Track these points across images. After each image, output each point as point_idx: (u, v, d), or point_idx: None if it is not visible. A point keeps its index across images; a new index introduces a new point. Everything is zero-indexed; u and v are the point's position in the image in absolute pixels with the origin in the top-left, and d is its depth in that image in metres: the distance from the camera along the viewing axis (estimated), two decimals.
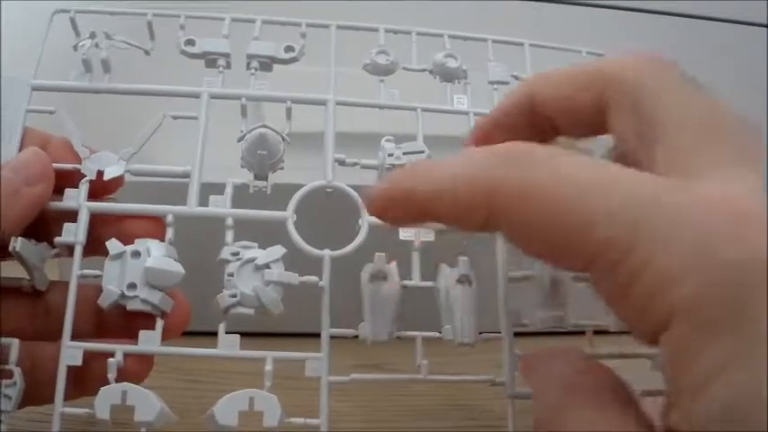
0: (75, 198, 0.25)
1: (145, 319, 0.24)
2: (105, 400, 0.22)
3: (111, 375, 0.23)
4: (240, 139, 0.26)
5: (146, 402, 0.22)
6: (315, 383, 0.24)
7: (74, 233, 0.24)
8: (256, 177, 0.26)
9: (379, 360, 0.32)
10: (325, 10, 0.30)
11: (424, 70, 0.29)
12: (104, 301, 0.24)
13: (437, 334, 0.25)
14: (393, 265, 0.25)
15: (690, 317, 0.15)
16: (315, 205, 0.26)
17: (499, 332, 0.25)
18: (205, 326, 0.24)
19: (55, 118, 0.27)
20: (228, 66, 0.28)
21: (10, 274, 0.25)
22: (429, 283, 0.26)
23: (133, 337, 0.24)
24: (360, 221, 0.26)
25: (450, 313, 0.25)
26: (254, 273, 0.24)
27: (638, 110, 0.19)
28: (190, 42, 0.28)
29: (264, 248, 0.25)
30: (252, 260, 0.24)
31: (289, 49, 0.28)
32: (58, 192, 0.25)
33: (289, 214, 0.25)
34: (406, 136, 0.28)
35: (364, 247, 0.25)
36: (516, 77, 0.30)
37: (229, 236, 0.25)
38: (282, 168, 0.26)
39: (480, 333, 0.25)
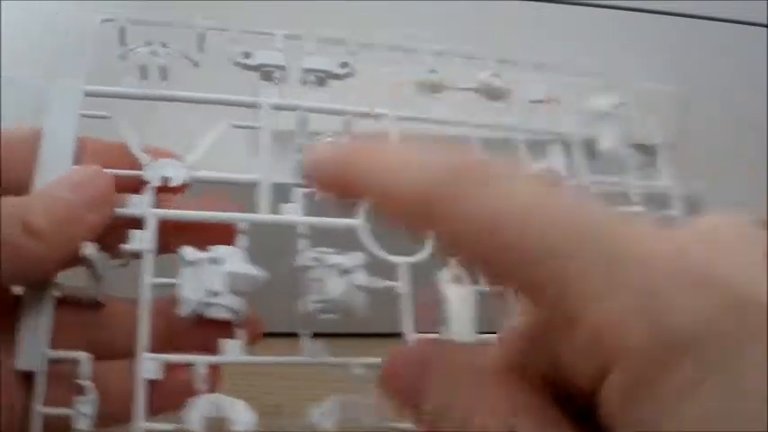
0: (139, 205, 0.24)
1: (217, 329, 0.23)
2: (197, 411, 0.21)
3: (200, 386, 0.21)
4: (297, 150, 0.26)
5: (240, 412, 0.21)
6: None
7: (143, 240, 0.23)
8: None
9: None
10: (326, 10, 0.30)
11: (469, 89, 0.30)
12: (184, 310, 0.22)
13: None
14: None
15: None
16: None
17: None
18: None
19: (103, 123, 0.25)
20: (283, 78, 0.28)
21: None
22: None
23: (202, 348, 0.23)
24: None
25: None
26: (337, 278, 0.24)
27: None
28: (246, 55, 0.28)
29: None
30: (335, 266, 0.24)
31: (344, 65, 0.28)
32: None
33: (362, 222, 0.25)
34: None
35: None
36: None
37: (302, 243, 0.24)
38: None
39: None
